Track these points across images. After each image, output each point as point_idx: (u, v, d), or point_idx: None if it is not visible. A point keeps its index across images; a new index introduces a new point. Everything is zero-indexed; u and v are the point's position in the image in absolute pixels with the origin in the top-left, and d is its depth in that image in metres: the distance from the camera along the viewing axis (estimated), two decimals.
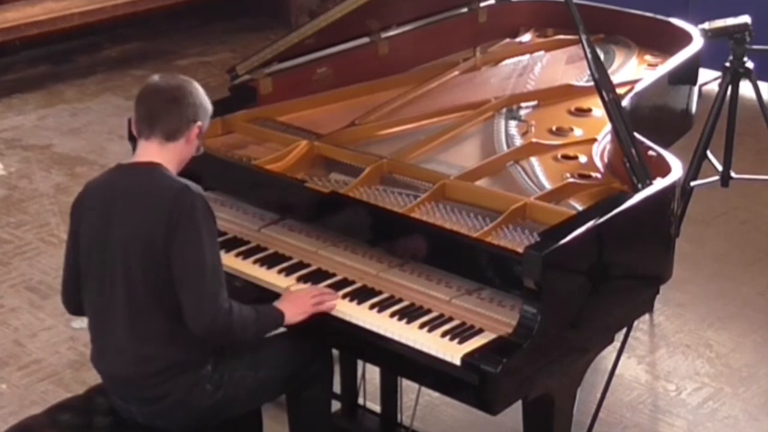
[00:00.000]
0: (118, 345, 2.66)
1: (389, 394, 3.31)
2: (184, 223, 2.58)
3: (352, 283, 2.80)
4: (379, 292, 2.76)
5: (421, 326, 2.63)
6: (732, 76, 4.06)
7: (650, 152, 2.97)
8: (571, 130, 3.33)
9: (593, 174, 3.02)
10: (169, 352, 2.64)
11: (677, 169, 2.91)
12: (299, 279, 2.84)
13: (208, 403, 2.68)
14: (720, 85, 4.10)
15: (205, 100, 2.73)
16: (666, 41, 3.88)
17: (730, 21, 3.95)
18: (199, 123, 2.71)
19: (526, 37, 4.12)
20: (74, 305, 2.81)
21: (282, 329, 2.79)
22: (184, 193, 2.60)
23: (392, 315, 2.67)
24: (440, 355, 2.54)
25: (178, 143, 2.70)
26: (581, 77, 3.68)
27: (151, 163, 2.67)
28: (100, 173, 2.81)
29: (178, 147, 2.70)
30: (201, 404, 2.68)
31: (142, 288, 2.60)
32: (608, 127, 3.05)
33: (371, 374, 3.40)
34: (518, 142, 3.24)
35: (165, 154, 2.69)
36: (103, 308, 2.67)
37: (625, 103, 3.17)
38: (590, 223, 2.63)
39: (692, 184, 4.16)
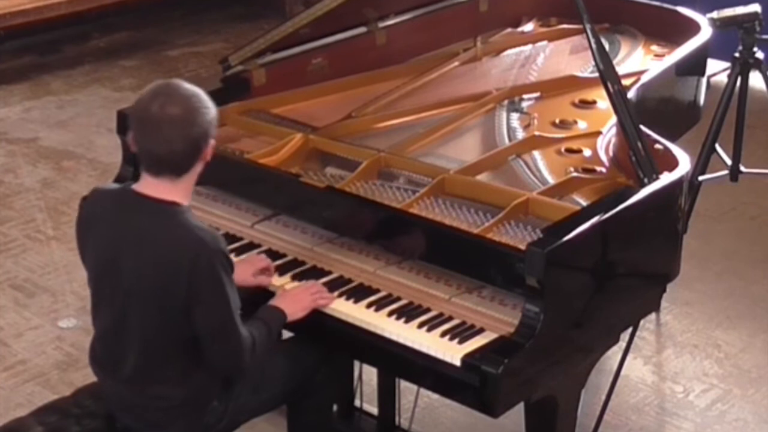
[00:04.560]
0: (127, 378, 2.59)
1: (387, 395, 3.29)
2: (207, 286, 2.47)
3: (349, 281, 2.78)
4: (377, 291, 2.74)
5: (420, 326, 2.61)
6: (741, 67, 4.04)
7: (657, 146, 2.95)
8: (575, 122, 3.31)
9: (598, 168, 3.01)
10: (180, 392, 2.59)
11: (685, 163, 2.89)
12: (294, 277, 2.81)
13: None
14: (729, 77, 4.08)
15: (211, 111, 2.50)
16: (673, 31, 3.86)
17: (740, 10, 3.93)
18: (211, 142, 2.52)
19: (528, 27, 4.09)
20: None
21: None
22: (201, 255, 2.45)
23: (390, 314, 2.65)
24: (440, 356, 2.52)
25: (193, 171, 2.51)
26: (585, 68, 3.67)
27: (163, 202, 2.49)
28: (104, 189, 2.65)
29: (191, 174, 2.52)
30: None
31: (158, 333, 2.52)
32: (613, 119, 3.02)
33: (368, 375, 3.40)
34: (520, 135, 3.21)
35: (179, 188, 2.50)
36: (114, 338, 2.58)
37: (631, 94, 3.16)
38: (595, 219, 2.62)
39: (700, 178, 4.14)
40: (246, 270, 2.74)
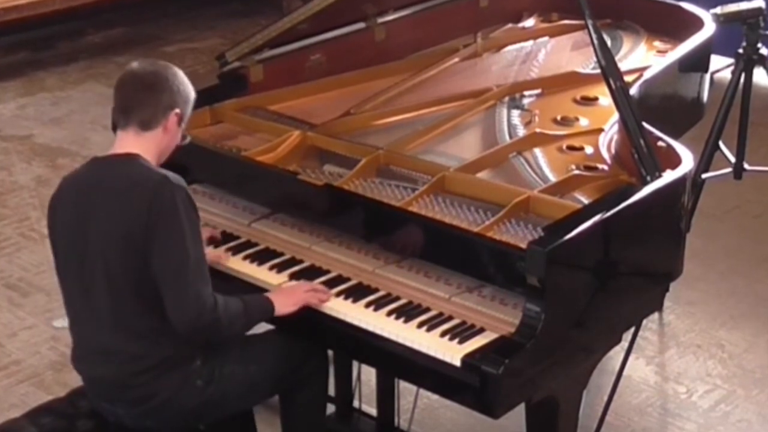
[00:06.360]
0: (104, 346, 2.63)
1: (386, 396, 3.28)
2: (165, 219, 2.53)
3: (347, 280, 2.78)
4: (376, 290, 2.73)
5: (420, 325, 2.60)
6: (745, 63, 4.02)
7: (660, 143, 2.94)
8: (577, 119, 3.30)
9: (600, 166, 3.00)
10: (157, 349, 2.61)
11: (688, 161, 2.88)
12: (291, 276, 2.81)
13: (197, 400, 2.66)
14: (733, 73, 4.07)
15: (184, 86, 2.67)
16: (676, 26, 3.85)
17: (744, 5, 3.91)
18: (176, 111, 2.65)
19: (529, 22, 4.10)
20: None
21: (273, 327, 2.77)
22: (163, 186, 2.55)
23: (389, 314, 2.64)
24: (439, 356, 2.51)
25: (155, 132, 2.64)
26: (587, 64, 3.66)
27: (128, 155, 2.62)
28: (77, 167, 2.76)
29: (155, 136, 2.64)
30: (191, 402, 2.66)
31: (124, 285, 2.57)
32: (615, 116, 3.01)
33: (367, 376, 3.39)
34: (521, 132, 3.21)
35: (142, 144, 2.63)
36: (86, 309, 2.64)
37: (633, 91, 3.15)
38: (596, 218, 2.60)
39: (703, 176, 4.12)
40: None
